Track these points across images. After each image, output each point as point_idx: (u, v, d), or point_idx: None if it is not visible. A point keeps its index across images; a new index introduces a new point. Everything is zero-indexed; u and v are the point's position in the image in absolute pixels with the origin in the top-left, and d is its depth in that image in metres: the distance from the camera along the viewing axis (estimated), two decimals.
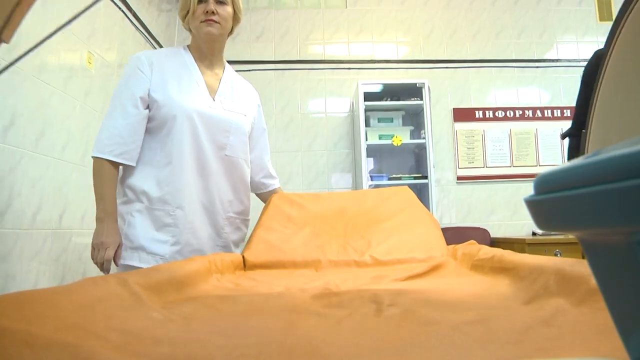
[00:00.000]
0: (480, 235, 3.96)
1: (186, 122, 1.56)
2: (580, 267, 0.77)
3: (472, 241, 1.66)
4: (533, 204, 0.32)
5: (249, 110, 1.81)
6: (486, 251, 1.32)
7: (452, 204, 4.07)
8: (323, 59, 4.27)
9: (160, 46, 3.63)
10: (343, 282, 1.21)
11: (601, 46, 3.70)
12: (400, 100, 3.76)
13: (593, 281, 0.68)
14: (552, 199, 0.30)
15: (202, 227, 1.64)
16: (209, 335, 0.66)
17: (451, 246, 1.70)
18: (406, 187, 2.04)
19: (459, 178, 4.06)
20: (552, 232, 3.06)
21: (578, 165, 0.28)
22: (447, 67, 4.23)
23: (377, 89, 3.81)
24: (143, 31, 3.29)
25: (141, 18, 3.25)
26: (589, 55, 4.00)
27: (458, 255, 1.50)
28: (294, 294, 1.00)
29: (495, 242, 3.83)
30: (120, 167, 1.57)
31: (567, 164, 0.30)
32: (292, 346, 0.58)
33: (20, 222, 1.90)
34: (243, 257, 1.59)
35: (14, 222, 1.85)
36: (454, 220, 4.07)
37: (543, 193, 0.31)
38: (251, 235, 1.78)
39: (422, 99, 3.68)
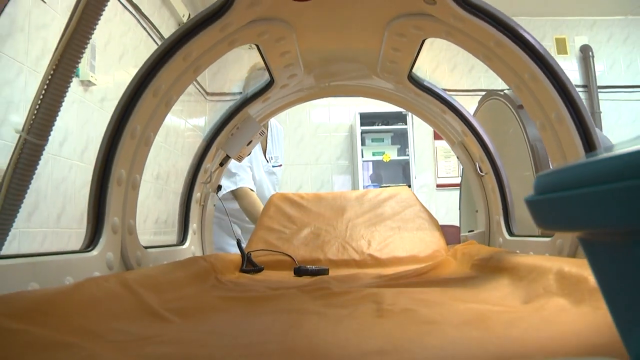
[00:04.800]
0: (456, 232, 4.54)
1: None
2: (580, 267, 0.77)
3: (471, 241, 1.66)
4: (533, 204, 0.32)
5: (281, 155, 2.45)
6: (486, 251, 1.32)
7: (433, 206, 4.76)
8: None
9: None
10: (343, 281, 1.21)
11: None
12: (389, 124, 4.62)
13: (593, 281, 0.68)
14: (552, 199, 0.30)
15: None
16: (209, 335, 0.66)
17: (451, 246, 1.70)
18: (406, 187, 2.04)
19: (438, 185, 4.87)
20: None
21: (578, 166, 0.28)
22: None
23: (371, 116, 4.62)
24: None
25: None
26: None
27: (458, 255, 1.50)
28: (294, 294, 1.00)
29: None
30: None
31: (567, 164, 0.30)
32: (293, 346, 0.58)
33: (47, 221, 2.00)
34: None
35: (41, 222, 1.96)
36: None
37: (543, 193, 0.31)
38: (251, 235, 1.77)
39: (406, 124, 4.51)
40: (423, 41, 1.22)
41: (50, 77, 0.79)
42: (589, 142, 0.96)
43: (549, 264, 0.87)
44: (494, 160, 1.46)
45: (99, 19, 0.82)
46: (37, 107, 0.79)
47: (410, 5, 1.06)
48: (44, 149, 0.81)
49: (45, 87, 0.79)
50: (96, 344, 0.55)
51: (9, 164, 0.79)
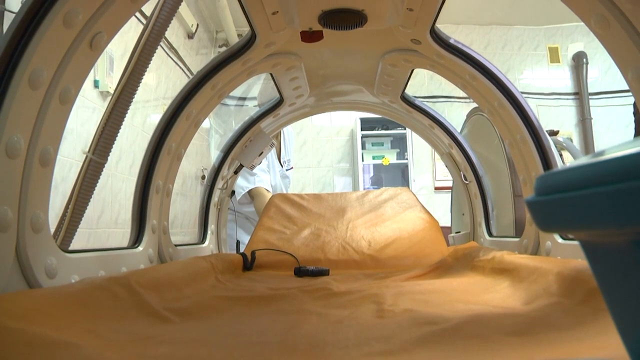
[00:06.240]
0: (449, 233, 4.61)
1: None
2: (580, 267, 0.77)
3: (472, 242, 1.66)
4: (534, 205, 0.32)
5: (292, 155, 2.59)
6: (486, 252, 1.32)
7: (431, 208, 4.76)
8: None
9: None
10: (343, 282, 1.21)
11: (552, 81, 4.35)
12: (389, 129, 4.72)
13: (593, 281, 0.68)
14: (553, 200, 0.30)
15: None
16: (209, 335, 0.66)
17: (452, 247, 1.70)
18: (407, 187, 2.04)
19: (436, 188, 4.99)
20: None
21: (579, 167, 0.28)
22: (427, 101, 5.15)
23: (372, 120, 4.71)
24: (184, 68, 3.75)
25: (184, 59, 3.70)
26: (542, 89, 4.83)
27: (458, 256, 1.50)
28: (295, 294, 0.99)
29: None
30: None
31: (568, 165, 0.30)
32: (293, 346, 0.58)
33: (111, 223, 2.45)
34: (244, 257, 1.59)
35: (107, 223, 2.43)
36: None
37: (544, 194, 0.31)
38: (252, 236, 1.78)
39: (405, 129, 4.50)
40: (412, 70, 1.42)
41: (110, 111, 1.00)
42: (546, 160, 1.16)
43: (549, 266, 0.87)
44: (476, 170, 1.69)
45: (148, 66, 1.02)
46: (100, 134, 0.99)
47: (400, 43, 1.26)
48: (104, 166, 1.02)
49: (107, 118, 0.99)
50: (96, 344, 0.55)
51: (77, 178, 1.01)
